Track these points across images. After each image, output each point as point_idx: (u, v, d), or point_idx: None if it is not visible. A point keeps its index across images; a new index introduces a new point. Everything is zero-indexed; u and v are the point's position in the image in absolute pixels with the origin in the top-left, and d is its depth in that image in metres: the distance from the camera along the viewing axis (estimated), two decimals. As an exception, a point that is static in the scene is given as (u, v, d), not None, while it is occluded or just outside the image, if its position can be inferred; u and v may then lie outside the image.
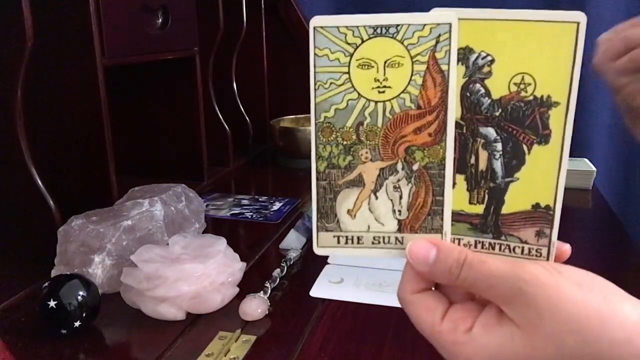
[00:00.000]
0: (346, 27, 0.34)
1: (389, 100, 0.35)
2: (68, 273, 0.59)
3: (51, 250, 0.66)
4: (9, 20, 0.63)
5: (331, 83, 0.35)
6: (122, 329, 0.59)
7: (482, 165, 0.36)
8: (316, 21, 0.34)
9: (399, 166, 0.36)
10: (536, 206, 0.36)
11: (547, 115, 0.35)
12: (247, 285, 0.64)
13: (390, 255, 0.36)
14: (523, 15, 0.34)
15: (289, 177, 1.19)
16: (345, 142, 0.36)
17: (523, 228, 0.36)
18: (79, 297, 0.55)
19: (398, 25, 0.34)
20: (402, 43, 0.34)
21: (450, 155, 0.35)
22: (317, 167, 0.36)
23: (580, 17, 0.34)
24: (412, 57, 0.34)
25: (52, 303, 0.54)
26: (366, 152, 0.36)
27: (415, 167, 0.36)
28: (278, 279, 0.66)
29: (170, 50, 0.93)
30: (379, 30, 0.34)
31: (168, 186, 0.78)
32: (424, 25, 0.34)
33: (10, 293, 0.63)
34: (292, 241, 0.77)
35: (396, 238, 0.36)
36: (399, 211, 0.36)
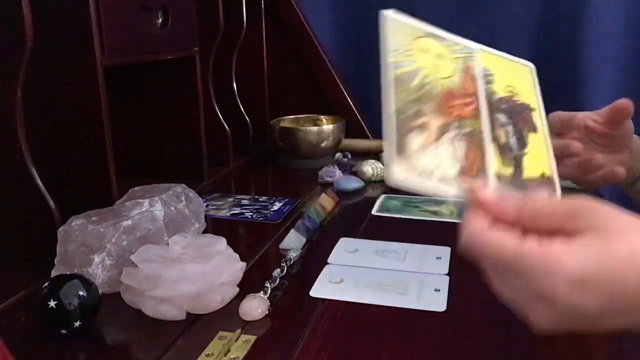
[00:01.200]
0: (411, 26, 0.46)
1: (442, 78, 0.46)
2: (68, 273, 0.59)
3: (51, 250, 0.66)
4: (9, 20, 0.63)
5: (399, 54, 0.44)
6: (122, 329, 0.59)
7: (503, 139, 0.48)
8: (389, 13, 0.45)
9: (455, 125, 0.44)
10: (542, 175, 0.49)
11: (530, 115, 0.51)
12: (247, 285, 0.64)
13: (454, 194, 0.40)
14: (502, 54, 0.54)
15: (289, 177, 1.19)
16: (412, 96, 0.43)
17: (539, 189, 0.47)
18: (79, 297, 0.55)
19: (445, 39, 0.49)
20: (449, 48, 0.48)
21: (486, 128, 0.46)
22: (392, 109, 0.41)
23: (529, 64, 0.56)
24: (454, 59, 0.48)
25: (52, 303, 0.54)
26: (428, 108, 0.43)
27: (465, 130, 0.44)
28: (278, 279, 0.66)
29: (170, 50, 0.93)
30: (432, 37, 0.48)
31: (168, 186, 0.78)
32: (461, 45, 0.50)
33: (10, 293, 0.63)
34: (292, 241, 0.77)
35: (457, 182, 0.42)
36: (458, 161, 0.43)
